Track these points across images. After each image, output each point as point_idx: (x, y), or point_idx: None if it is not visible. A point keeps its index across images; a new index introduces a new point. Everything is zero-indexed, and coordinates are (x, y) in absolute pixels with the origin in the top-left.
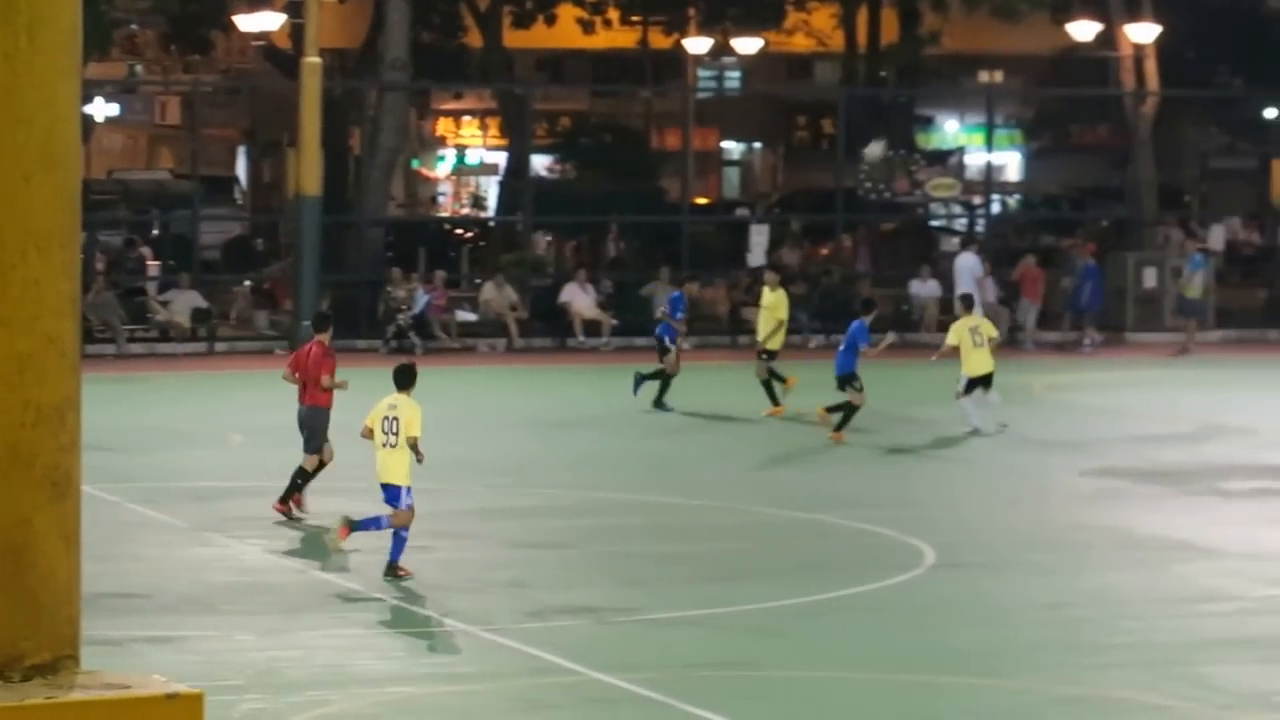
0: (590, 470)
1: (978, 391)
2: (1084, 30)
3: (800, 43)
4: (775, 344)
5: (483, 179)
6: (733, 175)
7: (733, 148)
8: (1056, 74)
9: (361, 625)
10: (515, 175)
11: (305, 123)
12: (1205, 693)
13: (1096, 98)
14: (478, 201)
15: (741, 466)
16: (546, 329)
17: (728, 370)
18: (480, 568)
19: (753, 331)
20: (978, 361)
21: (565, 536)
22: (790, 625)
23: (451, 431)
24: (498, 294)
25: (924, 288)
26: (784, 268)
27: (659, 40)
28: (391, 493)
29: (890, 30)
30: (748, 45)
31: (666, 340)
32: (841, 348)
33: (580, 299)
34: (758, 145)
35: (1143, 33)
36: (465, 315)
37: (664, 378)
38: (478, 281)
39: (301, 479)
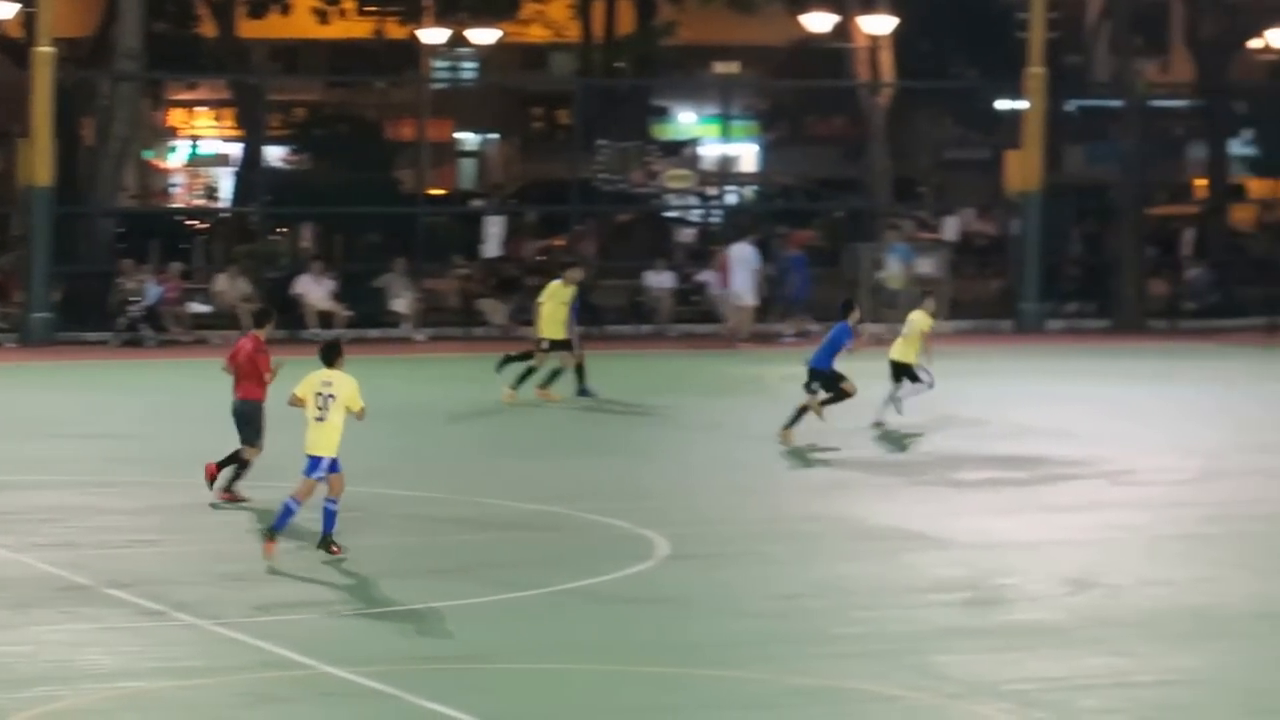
0: None
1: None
2: (820, 21)
3: (536, 33)
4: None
5: (217, 170)
6: (468, 166)
7: (468, 138)
8: (792, 65)
9: (91, 620)
10: (249, 166)
11: (37, 113)
12: (934, 682)
13: (832, 89)
14: (211, 193)
15: (475, 458)
16: (280, 321)
17: (462, 362)
18: (210, 561)
19: (484, 322)
20: (898, 349)
21: (296, 529)
22: (523, 617)
23: (182, 424)
24: (231, 286)
25: (658, 279)
26: (518, 259)
27: (394, 31)
28: (314, 462)
29: (626, 21)
30: (483, 36)
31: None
32: (821, 346)
33: (314, 291)
34: (493, 136)
35: (878, 24)
36: (198, 307)
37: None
38: (212, 273)
39: (240, 468)
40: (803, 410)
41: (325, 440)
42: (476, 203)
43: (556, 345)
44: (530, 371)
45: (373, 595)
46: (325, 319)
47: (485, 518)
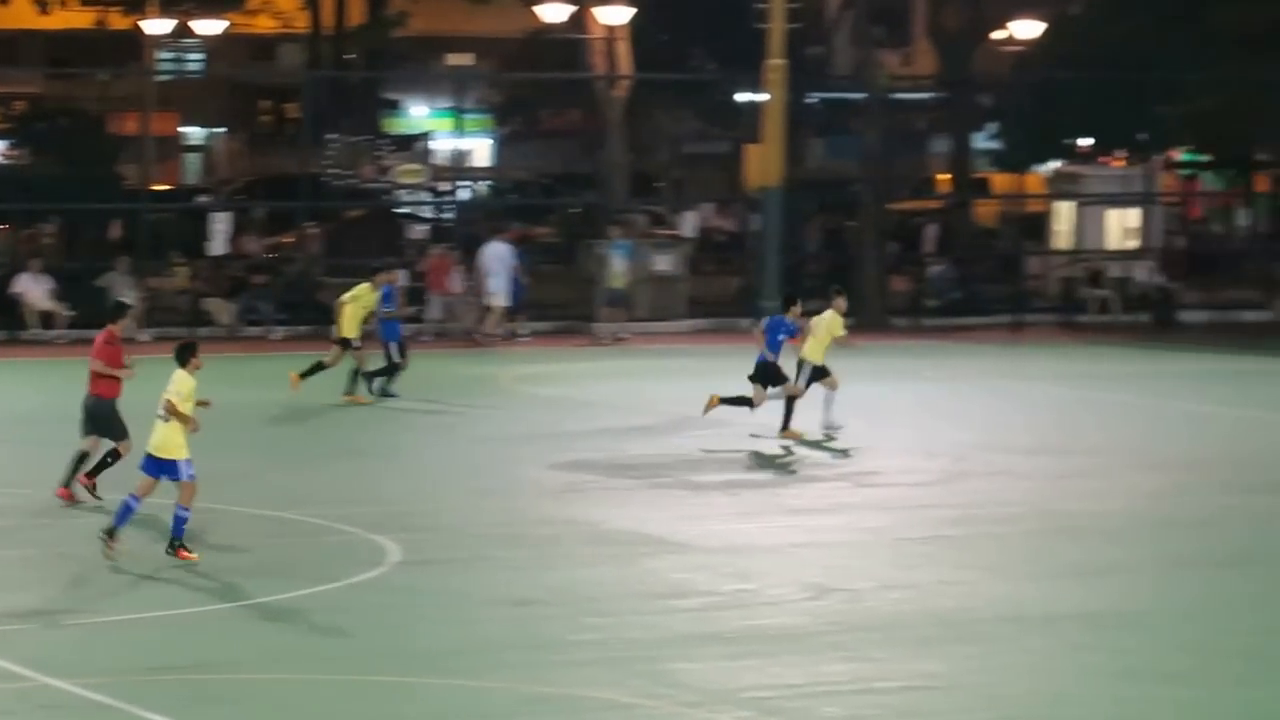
0: (42, 468)
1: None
2: (555, 12)
3: (264, 24)
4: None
5: None
6: (194, 161)
7: (194, 133)
8: (527, 57)
9: None
10: None
11: None
12: (671, 690)
13: (567, 81)
14: None
15: (201, 461)
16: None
17: None
18: None
19: (210, 322)
20: (808, 348)
21: (15, 537)
22: (251, 626)
23: None
24: None
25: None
26: (245, 256)
27: (117, 21)
28: (169, 467)
29: (356, 12)
30: (209, 27)
31: (388, 337)
32: (764, 342)
33: (34, 290)
34: (220, 130)
35: (614, 15)
36: None
37: (390, 370)
38: None
39: (112, 458)
40: (791, 400)
41: (170, 441)
42: (202, 199)
43: (345, 344)
44: (361, 373)
45: (98, 605)
46: (46, 319)
47: (213, 523)
